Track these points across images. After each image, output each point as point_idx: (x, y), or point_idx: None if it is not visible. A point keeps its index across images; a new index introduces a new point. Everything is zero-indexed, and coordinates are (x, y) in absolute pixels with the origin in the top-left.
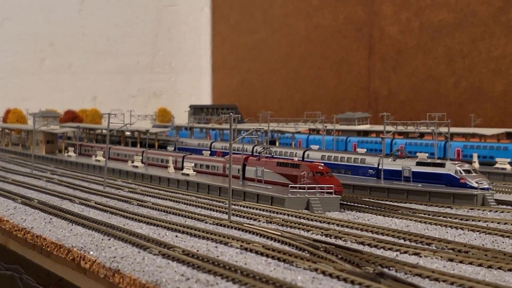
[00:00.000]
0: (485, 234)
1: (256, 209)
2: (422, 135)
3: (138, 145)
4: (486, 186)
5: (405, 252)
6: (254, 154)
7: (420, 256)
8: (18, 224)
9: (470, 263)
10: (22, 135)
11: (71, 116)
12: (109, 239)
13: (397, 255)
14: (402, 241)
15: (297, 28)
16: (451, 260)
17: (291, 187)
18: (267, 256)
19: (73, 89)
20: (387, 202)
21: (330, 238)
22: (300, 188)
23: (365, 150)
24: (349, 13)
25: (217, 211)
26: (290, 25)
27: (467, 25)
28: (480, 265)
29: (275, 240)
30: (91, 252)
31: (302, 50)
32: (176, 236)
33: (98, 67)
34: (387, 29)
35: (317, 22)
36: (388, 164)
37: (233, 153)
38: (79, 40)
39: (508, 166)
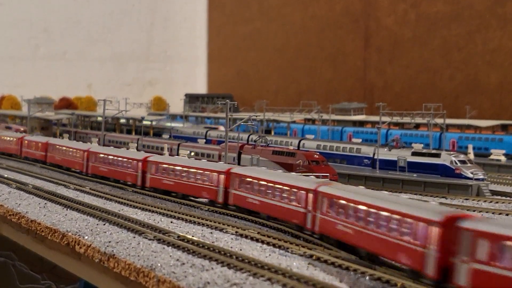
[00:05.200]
0: None
1: None
2: (417, 126)
3: (133, 133)
4: (481, 176)
5: None
6: (250, 142)
7: None
8: (12, 208)
9: None
10: (16, 121)
11: (66, 103)
12: (104, 224)
13: None
14: None
15: (293, 18)
16: None
17: None
18: (263, 242)
19: (68, 77)
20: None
21: None
22: None
23: (360, 140)
24: (346, 3)
25: None
26: (286, 15)
27: (463, 17)
28: None
29: (270, 227)
30: (86, 237)
31: (297, 41)
32: (171, 222)
33: (93, 55)
34: (383, 20)
35: (313, 12)
36: (384, 154)
37: (229, 141)
38: (74, 27)
39: (502, 158)
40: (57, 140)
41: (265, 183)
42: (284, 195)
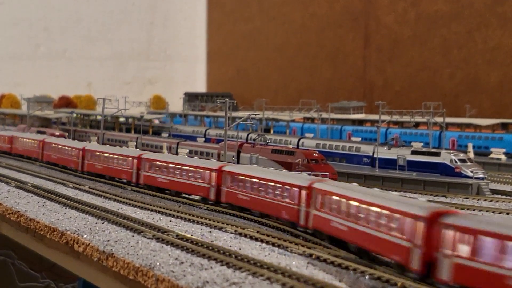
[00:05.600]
0: None
1: None
2: (417, 124)
3: (133, 131)
4: (481, 175)
5: None
6: (249, 141)
7: None
8: (11, 207)
9: None
10: (16, 120)
11: (66, 102)
12: (103, 223)
13: None
14: None
15: (292, 17)
16: None
17: None
18: (262, 241)
19: (68, 75)
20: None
21: None
22: None
23: (360, 139)
24: (345, 2)
25: None
26: (286, 13)
27: (463, 16)
28: None
29: (269, 226)
30: (85, 236)
31: (297, 39)
32: (170, 221)
33: (92, 53)
34: (383, 19)
35: (313, 11)
36: (383, 152)
37: (228, 140)
38: (74, 26)
39: (503, 157)
40: (20, 134)
41: (173, 165)
42: (191, 174)
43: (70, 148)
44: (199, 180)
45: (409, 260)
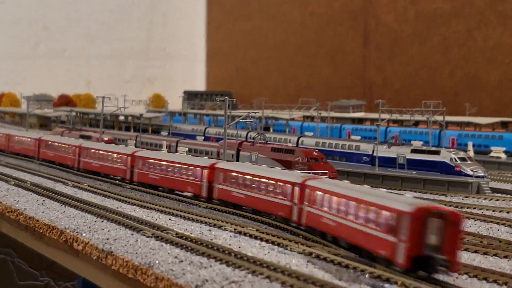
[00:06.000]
0: (480, 221)
1: None
2: (416, 123)
3: (132, 130)
4: (481, 174)
5: None
6: (249, 139)
7: None
8: (11, 205)
9: (466, 250)
10: (16, 118)
11: (65, 101)
12: (102, 221)
13: None
14: None
15: (292, 16)
16: None
17: None
18: (261, 239)
19: (67, 74)
20: (381, 189)
21: None
22: None
23: (359, 137)
24: (345, 0)
25: None
26: (285, 12)
27: (463, 14)
28: (475, 251)
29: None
30: (84, 234)
31: (297, 38)
32: (170, 219)
33: (92, 52)
34: (382, 17)
35: (312, 10)
36: (383, 151)
37: (227, 139)
38: (74, 25)
39: (503, 155)
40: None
41: (103, 152)
42: (114, 159)
43: (30, 139)
44: (119, 164)
45: (291, 214)
